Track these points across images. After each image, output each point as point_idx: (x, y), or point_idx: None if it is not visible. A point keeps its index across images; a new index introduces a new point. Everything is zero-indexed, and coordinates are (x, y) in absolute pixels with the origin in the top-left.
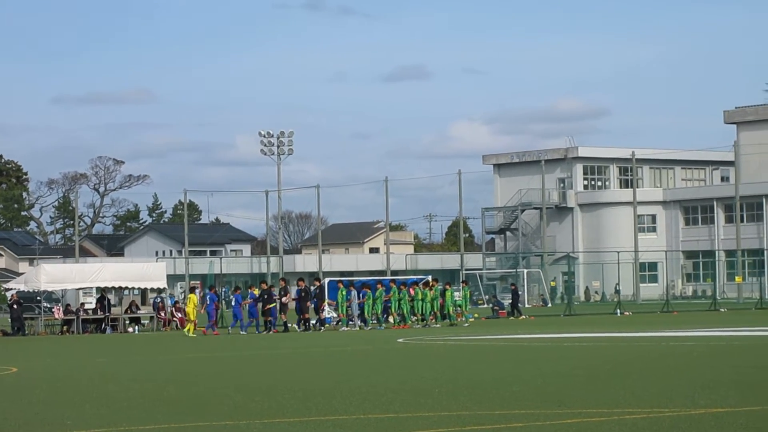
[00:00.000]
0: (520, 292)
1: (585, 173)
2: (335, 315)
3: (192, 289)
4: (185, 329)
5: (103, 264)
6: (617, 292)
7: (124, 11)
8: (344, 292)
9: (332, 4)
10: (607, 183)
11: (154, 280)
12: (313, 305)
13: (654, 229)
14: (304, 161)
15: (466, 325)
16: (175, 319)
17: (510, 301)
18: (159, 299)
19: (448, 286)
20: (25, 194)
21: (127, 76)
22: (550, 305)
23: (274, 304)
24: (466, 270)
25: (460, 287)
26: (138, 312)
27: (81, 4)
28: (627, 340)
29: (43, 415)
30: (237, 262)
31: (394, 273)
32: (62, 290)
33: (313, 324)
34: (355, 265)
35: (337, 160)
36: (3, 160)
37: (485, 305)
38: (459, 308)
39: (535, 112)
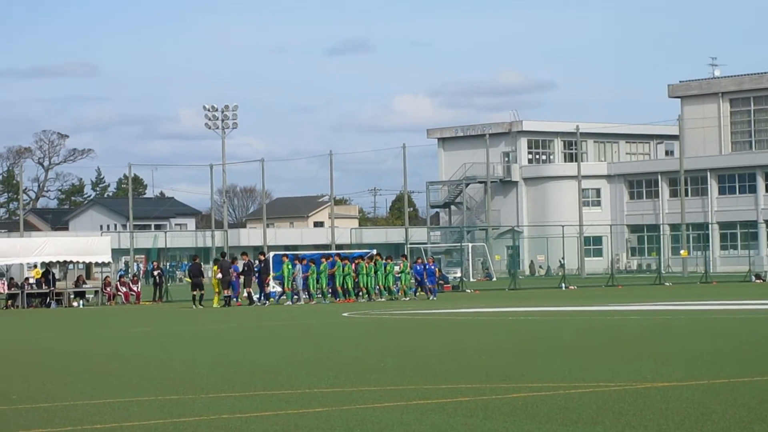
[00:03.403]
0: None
1: (529, 147)
2: (279, 289)
3: (215, 261)
4: (213, 301)
5: (47, 238)
6: (562, 266)
7: None
8: (289, 266)
9: None
10: (551, 157)
11: (98, 254)
12: (257, 280)
13: (599, 203)
14: (249, 135)
15: (406, 299)
16: (119, 293)
17: (456, 275)
18: (121, 273)
19: (389, 260)
20: None
21: (70, 50)
22: (494, 279)
23: (202, 278)
24: (411, 244)
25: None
26: (84, 286)
27: None
28: (572, 314)
29: None
30: (181, 236)
31: (339, 247)
32: (6, 264)
33: (257, 298)
34: (300, 239)
35: (282, 134)
36: None
37: None
38: (399, 282)
39: (480, 86)
